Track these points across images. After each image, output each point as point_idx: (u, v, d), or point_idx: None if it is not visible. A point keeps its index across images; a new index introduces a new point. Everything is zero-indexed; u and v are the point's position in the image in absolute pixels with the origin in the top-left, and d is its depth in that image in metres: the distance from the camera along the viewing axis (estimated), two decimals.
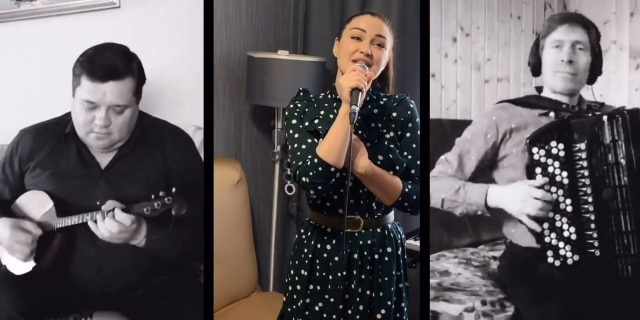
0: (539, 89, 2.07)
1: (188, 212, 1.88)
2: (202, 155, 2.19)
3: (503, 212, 1.95)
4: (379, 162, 1.84)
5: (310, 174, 1.75)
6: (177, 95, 2.43)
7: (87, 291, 2.07)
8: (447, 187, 1.99)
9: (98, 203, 1.95)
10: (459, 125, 2.14)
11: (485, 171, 2.06)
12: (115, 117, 1.96)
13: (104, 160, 2.05)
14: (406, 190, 1.84)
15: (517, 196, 1.90)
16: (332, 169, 1.74)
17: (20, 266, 2.03)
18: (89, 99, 1.92)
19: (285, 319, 2.00)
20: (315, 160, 1.75)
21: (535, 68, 2.05)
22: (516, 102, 2.05)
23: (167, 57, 2.43)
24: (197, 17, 2.18)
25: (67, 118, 2.08)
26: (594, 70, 2.01)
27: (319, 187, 1.78)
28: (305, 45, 2.96)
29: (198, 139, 2.34)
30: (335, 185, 1.79)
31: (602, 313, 1.83)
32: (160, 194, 1.83)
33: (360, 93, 1.73)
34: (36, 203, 2.04)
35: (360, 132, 1.87)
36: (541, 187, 1.89)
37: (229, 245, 2.68)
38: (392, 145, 1.87)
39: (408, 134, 1.90)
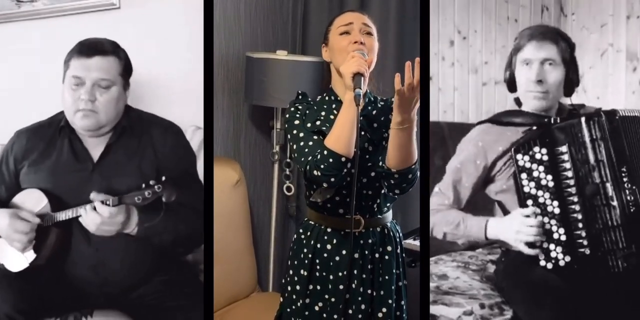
0: (518, 101, 2.07)
1: (179, 199, 1.92)
2: (201, 155, 2.19)
3: (500, 241, 1.99)
4: (380, 163, 1.85)
5: (322, 166, 1.73)
6: (177, 96, 2.43)
7: (85, 291, 2.09)
8: (447, 220, 2.01)
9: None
10: (457, 128, 2.15)
11: (479, 191, 2.08)
12: (101, 93, 2.00)
13: (96, 153, 2.07)
14: (416, 163, 1.80)
15: (512, 227, 1.92)
16: (343, 159, 1.72)
17: (17, 263, 2.04)
18: (75, 74, 1.99)
19: None
20: (325, 152, 1.73)
21: (511, 84, 2.04)
22: (498, 121, 2.05)
23: (167, 57, 2.43)
24: (197, 17, 2.19)
25: (60, 116, 2.11)
26: (570, 83, 2.00)
27: (332, 179, 1.75)
28: (303, 46, 2.96)
29: (198, 139, 2.35)
30: (347, 175, 1.77)
31: (598, 311, 1.84)
32: (151, 182, 1.86)
33: (363, 77, 1.73)
34: (32, 200, 2.06)
35: (363, 133, 1.87)
36: (534, 214, 1.92)
37: (229, 245, 2.68)
38: None
39: None
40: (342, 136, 1.73)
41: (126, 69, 2.07)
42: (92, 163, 2.06)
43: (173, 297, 2.04)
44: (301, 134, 1.85)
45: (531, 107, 2.01)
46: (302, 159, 1.80)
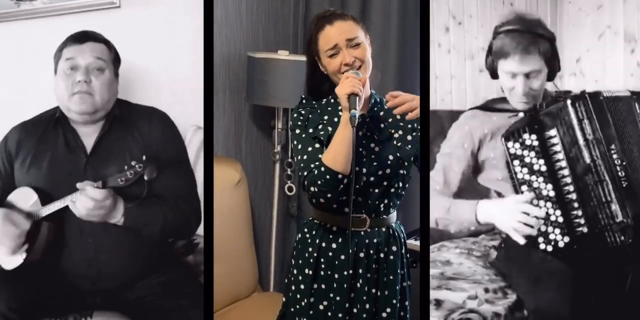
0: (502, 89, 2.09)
1: (167, 188, 1.97)
2: (202, 155, 2.19)
3: (493, 225, 1.99)
4: (389, 162, 1.88)
5: (319, 182, 1.79)
6: (178, 95, 2.43)
7: (82, 289, 2.08)
8: (437, 206, 2.02)
9: None
10: (455, 116, 2.16)
11: (469, 179, 2.09)
12: (95, 76, 2.05)
13: (89, 142, 2.09)
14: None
15: (505, 212, 1.93)
16: (340, 176, 1.78)
17: (10, 261, 2.05)
18: (69, 56, 2.06)
19: (288, 319, 2.00)
20: (322, 169, 1.78)
21: (493, 74, 2.05)
22: (485, 108, 2.09)
23: (167, 57, 2.43)
24: (197, 17, 2.18)
25: (53, 111, 2.15)
26: (552, 72, 2.01)
27: (329, 195, 1.82)
28: (305, 45, 2.96)
29: (199, 139, 2.34)
30: (344, 191, 1.82)
31: (600, 288, 1.85)
32: (132, 163, 1.89)
33: (358, 97, 1.76)
34: (23, 198, 2.07)
35: (369, 133, 1.90)
36: (529, 202, 1.92)
37: (230, 245, 2.68)
38: (399, 144, 1.90)
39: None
40: (339, 154, 1.78)
41: (116, 58, 2.13)
42: (85, 155, 2.07)
43: (173, 297, 2.04)
44: (299, 146, 1.90)
45: (517, 107, 2.03)
46: (300, 173, 1.87)
